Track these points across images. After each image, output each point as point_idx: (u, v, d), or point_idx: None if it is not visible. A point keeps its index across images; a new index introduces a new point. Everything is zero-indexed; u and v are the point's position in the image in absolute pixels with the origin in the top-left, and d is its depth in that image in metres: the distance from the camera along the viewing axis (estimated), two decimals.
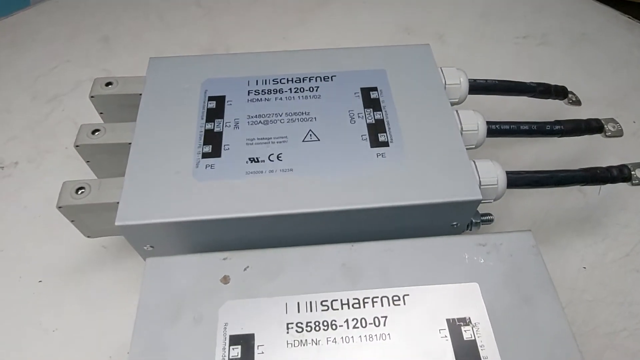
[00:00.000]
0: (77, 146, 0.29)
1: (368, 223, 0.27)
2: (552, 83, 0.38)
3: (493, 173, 0.28)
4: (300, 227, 0.26)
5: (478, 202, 0.27)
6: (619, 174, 0.31)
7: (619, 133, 0.34)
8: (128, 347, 0.31)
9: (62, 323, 0.32)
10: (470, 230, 0.31)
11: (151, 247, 0.27)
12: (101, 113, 0.33)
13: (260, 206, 0.26)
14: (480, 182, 0.28)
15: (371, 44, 0.36)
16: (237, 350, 0.21)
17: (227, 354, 0.21)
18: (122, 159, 0.28)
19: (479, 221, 0.31)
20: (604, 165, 0.32)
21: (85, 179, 0.28)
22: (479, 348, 0.21)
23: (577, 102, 0.39)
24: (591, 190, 0.39)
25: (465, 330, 0.22)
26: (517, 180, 0.29)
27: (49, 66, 0.49)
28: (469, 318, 0.22)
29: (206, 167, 0.27)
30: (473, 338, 0.22)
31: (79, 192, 0.27)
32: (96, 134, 0.29)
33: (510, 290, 0.23)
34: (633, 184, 0.31)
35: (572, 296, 0.34)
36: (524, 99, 0.38)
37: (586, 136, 0.35)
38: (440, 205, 0.26)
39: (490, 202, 0.29)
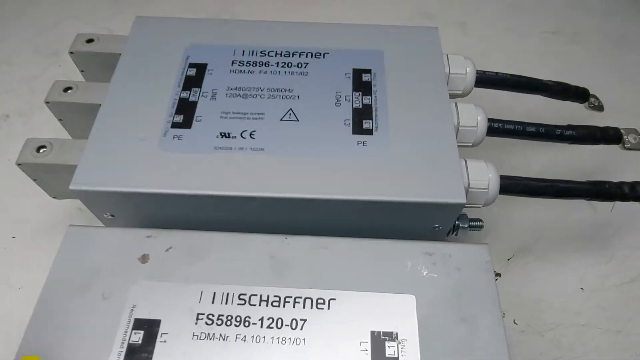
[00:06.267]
0: (47, 102, 0.28)
1: (337, 216, 0.25)
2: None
3: (485, 175, 0.25)
4: (261, 212, 0.24)
5: (461, 206, 0.24)
6: (630, 192, 0.27)
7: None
8: None
9: (28, 281, 0.32)
10: (456, 235, 0.29)
11: (111, 215, 0.26)
12: (82, 71, 0.32)
13: (222, 185, 0.24)
14: (468, 183, 0.25)
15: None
16: (139, 335, 0.20)
17: (127, 337, 0.20)
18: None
19: (466, 226, 0.28)
20: (617, 180, 0.28)
21: (51, 137, 0.27)
22: None
23: (599, 108, 0.35)
24: (603, 206, 0.36)
25: (389, 346, 0.20)
26: (512, 186, 0.26)
27: (54, 21, 0.48)
28: (396, 333, 0.20)
29: (174, 137, 0.26)
30: (396, 356, 0.19)
31: (41, 151, 0.26)
32: (68, 91, 0.28)
33: (450, 307, 0.21)
34: None
35: (564, 318, 0.31)
36: (543, 100, 0.35)
37: (608, 148, 0.32)
38: (419, 205, 0.24)
39: (479, 207, 0.26)
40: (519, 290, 0.32)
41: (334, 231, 0.24)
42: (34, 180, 0.27)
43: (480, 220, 0.29)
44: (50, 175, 0.26)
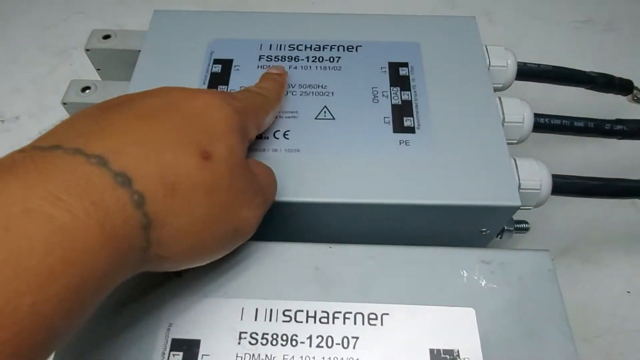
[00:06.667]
0: (64, 104, 0.26)
1: (377, 222, 0.23)
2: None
3: (537, 175, 0.24)
4: (300, 218, 0.23)
5: (516, 208, 0.22)
6: None
7: None
8: None
9: None
10: (501, 238, 0.27)
11: None
12: (98, 69, 0.30)
13: None
14: (520, 184, 0.23)
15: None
16: (177, 357, 0.18)
17: (166, 359, 0.18)
18: None
19: (512, 229, 0.27)
20: None
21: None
22: None
23: None
24: None
25: None
26: (565, 186, 0.25)
27: (61, 17, 0.46)
28: (458, 351, 0.18)
29: None
30: None
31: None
32: (86, 91, 0.26)
33: (514, 321, 0.19)
34: None
35: (612, 323, 0.30)
36: (577, 92, 0.33)
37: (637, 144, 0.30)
38: (469, 209, 0.22)
39: (530, 209, 0.25)
40: (562, 294, 0.31)
41: (373, 238, 0.22)
42: None
43: (526, 222, 0.27)
44: None
